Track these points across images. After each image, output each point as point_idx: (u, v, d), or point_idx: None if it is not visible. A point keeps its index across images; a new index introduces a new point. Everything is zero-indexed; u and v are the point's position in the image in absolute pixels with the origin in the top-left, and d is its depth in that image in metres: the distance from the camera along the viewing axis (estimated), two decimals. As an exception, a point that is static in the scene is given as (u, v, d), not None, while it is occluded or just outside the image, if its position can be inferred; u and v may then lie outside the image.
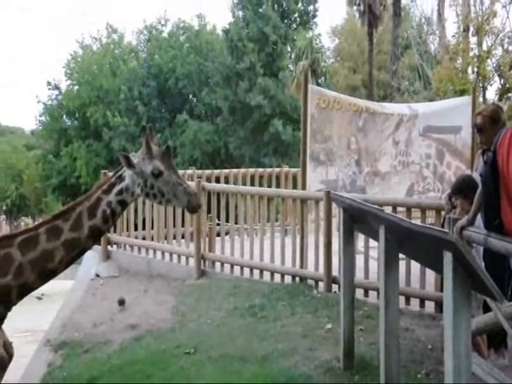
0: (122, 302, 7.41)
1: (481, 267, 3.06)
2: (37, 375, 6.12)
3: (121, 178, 5.06)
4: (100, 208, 5.04)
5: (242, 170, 11.05)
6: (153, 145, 4.97)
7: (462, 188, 4.79)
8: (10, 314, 5.19)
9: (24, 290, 5.12)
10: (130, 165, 4.95)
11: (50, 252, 5.01)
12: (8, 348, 5.06)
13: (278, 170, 11.36)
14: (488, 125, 4.57)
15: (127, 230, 9.52)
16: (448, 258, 2.95)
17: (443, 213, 5.69)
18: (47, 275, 5.12)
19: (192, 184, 8.47)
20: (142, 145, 4.97)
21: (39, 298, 16.62)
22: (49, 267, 5.05)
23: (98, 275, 9.02)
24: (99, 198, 5.07)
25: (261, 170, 11.43)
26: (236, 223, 8.30)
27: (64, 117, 38.66)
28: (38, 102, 38.94)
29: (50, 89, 38.95)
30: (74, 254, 5.15)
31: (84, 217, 5.03)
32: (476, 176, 4.83)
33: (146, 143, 4.92)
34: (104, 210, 5.04)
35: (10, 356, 5.09)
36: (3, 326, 5.16)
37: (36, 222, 5.39)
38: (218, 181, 10.10)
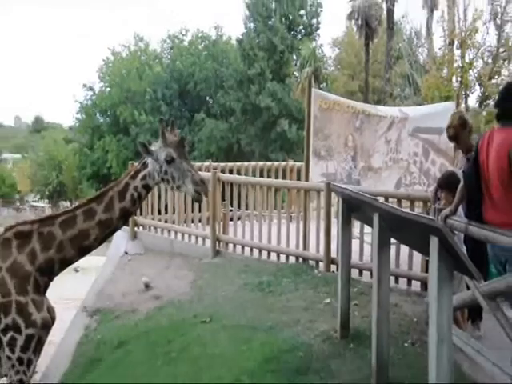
0: (147, 285, 7.33)
1: (462, 251, 3.07)
2: (75, 337, 6.18)
3: (144, 165, 5.10)
4: (128, 192, 5.07)
5: (253, 164, 11.02)
6: (168, 134, 5.00)
7: (447, 183, 4.80)
8: (52, 283, 5.26)
9: (64, 264, 5.17)
10: (148, 151, 5.00)
11: (86, 231, 5.05)
12: (51, 312, 5.11)
13: (284, 163, 11.32)
14: (460, 132, 5.04)
15: (152, 214, 9.54)
16: (434, 242, 2.96)
17: (429, 203, 5.70)
18: (83, 251, 5.16)
19: (208, 174, 8.51)
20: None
21: (76, 271, 16.72)
22: (85, 244, 5.09)
23: (126, 252, 9.06)
24: (127, 183, 5.10)
25: (269, 163, 11.40)
26: (247, 210, 8.30)
27: (97, 115, 38.66)
28: (75, 101, 39.08)
29: (85, 90, 39.02)
30: (106, 232, 5.19)
31: (115, 200, 5.06)
32: (458, 171, 4.87)
33: (162, 133, 4.94)
34: (132, 193, 5.08)
35: (53, 319, 5.13)
36: (47, 294, 5.22)
37: (73, 205, 5.41)
38: (231, 172, 10.09)
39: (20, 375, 4.97)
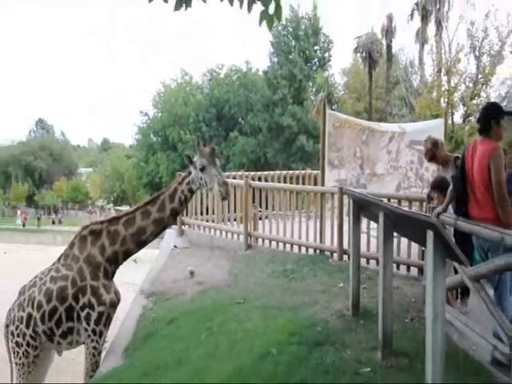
0: (192, 273, 7.34)
1: (453, 242, 3.04)
2: (135, 314, 6.22)
3: (189, 173, 5.20)
4: (177, 195, 5.17)
5: (277, 172, 11.00)
6: (203, 147, 5.10)
7: (439, 186, 4.81)
8: (117, 271, 5.36)
9: (126, 255, 5.27)
10: (191, 162, 5.10)
11: (144, 227, 5.14)
12: (117, 294, 5.22)
13: (303, 172, 11.27)
14: (435, 152, 5.38)
15: (195, 215, 9.60)
16: (430, 235, 2.93)
17: (425, 203, 5.66)
18: (141, 244, 5.25)
19: (241, 182, 8.55)
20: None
21: (135, 261, 16.87)
22: (143, 238, 5.18)
23: (175, 246, 9.10)
24: (176, 188, 5.20)
25: (290, 172, 11.36)
26: (273, 210, 8.31)
27: (151, 135, 39.26)
28: (134, 124, 39.90)
29: (141, 115, 39.68)
30: (159, 228, 5.28)
31: (166, 202, 5.16)
32: (448, 177, 4.90)
33: (198, 147, 5.07)
34: (179, 196, 5.17)
35: (118, 300, 5.24)
36: (113, 280, 5.33)
37: (133, 208, 5.51)
38: (259, 180, 10.10)
39: (94, 343, 5.09)
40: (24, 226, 45.73)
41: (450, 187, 4.21)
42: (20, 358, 5.33)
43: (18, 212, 51.50)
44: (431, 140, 5.49)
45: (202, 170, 5.03)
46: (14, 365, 5.45)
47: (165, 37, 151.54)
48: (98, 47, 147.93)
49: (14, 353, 5.38)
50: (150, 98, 44.27)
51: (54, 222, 48.07)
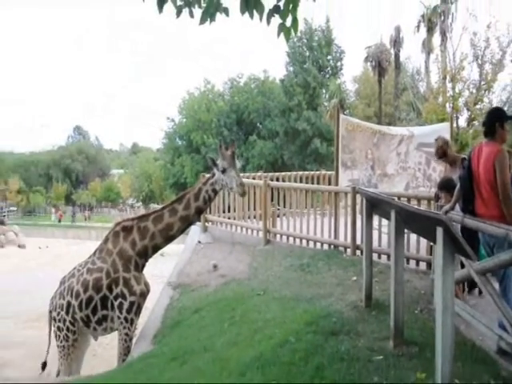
0: (215, 266, 7.36)
1: (462, 237, 2.99)
2: (163, 304, 6.26)
3: (213, 175, 5.23)
4: (201, 194, 5.20)
5: (293, 173, 10.97)
6: (224, 151, 5.12)
7: (446, 186, 4.78)
8: (146, 264, 5.41)
9: (155, 249, 5.32)
10: (215, 164, 5.13)
11: (171, 224, 5.19)
12: (147, 285, 5.28)
13: (317, 172, 11.20)
14: (446, 150, 5.38)
15: (218, 212, 9.62)
16: (440, 231, 2.88)
17: (432, 201, 5.60)
18: (169, 239, 5.30)
19: (260, 182, 8.54)
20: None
21: (162, 255, 16.98)
22: (170, 234, 5.23)
23: (199, 241, 9.13)
24: (200, 188, 5.24)
25: (306, 172, 11.31)
26: (290, 208, 8.28)
27: (177, 139, 39.50)
28: (161, 130, 40.20)
29: (168, 121, 40.01)
30: (185, 225, 5.32)
31: (191, 200, 5.19)
32: (455, 177, 4.85)
33: (220, 151, 5.10)
34: (204, 195, 5.20)
35: (148, 290, 5.30)
36: (143, 272, 5.39)
37: (161, 206, 5.57)
38: (277, 180, 10.09)
39: (126, 330, 5.15)
40: (60, 221, 46.84)
41: (458, 186, 4.16)
42: (61, 341, 5.44)
43: (53, 210, 52.75)
44: (443, 139, 5.49)
45: (224, 171, 5.06)
46: (56, 347, 5.57)
47: (188, 49, 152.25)
48: (125, 60, 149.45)
49: (56, 336, 5.51)
50: (175, 105, 44.73)
51: (85, 219, 49.05)
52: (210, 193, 5.21)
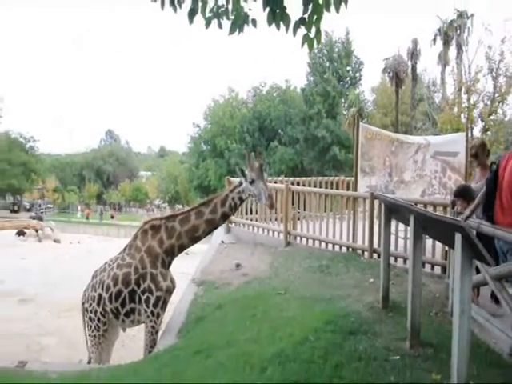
0: (238, 266, 7.36)
1: (480, 243, 2.93)
2: (188, 300, 6.28)
3: (240, 183, 5.24)
4: (228, 201, 5.22)
5: (313, 178, 10.93)
6: (252, 162, 5.13)
7: (462, 193, 4.69)
8: (173, 262, 5.48)
9: (181, 248, 5.37)
10: (243, 174, 5.14)
11: (197, 226, 5.23)
12: (172, 282, 5.33)
13: (336, 178, 11.12)
14: (479, 152, 4.98)
15: (241, 214, 9.64)
16: (458, 237, 2.83)
17: (448, 208, 5.50)
18: (194, 240, 5.34)
19: (282, 186, 8.54)
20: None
21: (187, 254, 17.08)
22: (196, 235, 5.27)
23: (223, 241, 9.16)
24: (227, 195, 5.26)
25: (325, 178, 11.25)
26: (310, 212, 8.25)
27: (202, 144, 39.79)
28: (187, 134, 40.60)
29: (194, 127, 40.39)
30: (210, 228, 5.35)
31: (218, 205, 5.22)
32: (476, 185, 4.74)
33: (248, 161, 5.11)
34: (230, 202, 5.22)
35: (174, 286, 5.35)
36: (170, 269, 5.45)
37: (186, 208, 5.64)
38: (298, 185, 10.06)
39: (152, 323, 5.22)
40: (87, 219, 47.92)
41: (481, 193, 4.08)
42: (92, 331, 5.55)
43: (79, 208, 54.07)
44: (482, 140, 5.36)
45: (252, 182, 5.08)
46: (87, 336, 5.69)
47: (215, 59, 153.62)
48: (155, 69, 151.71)
49: (87, 326, 5.63)
50: (201, 111, 45.09)
51: (112, 217, 49.94)
52: (237, 200, 5.25)
